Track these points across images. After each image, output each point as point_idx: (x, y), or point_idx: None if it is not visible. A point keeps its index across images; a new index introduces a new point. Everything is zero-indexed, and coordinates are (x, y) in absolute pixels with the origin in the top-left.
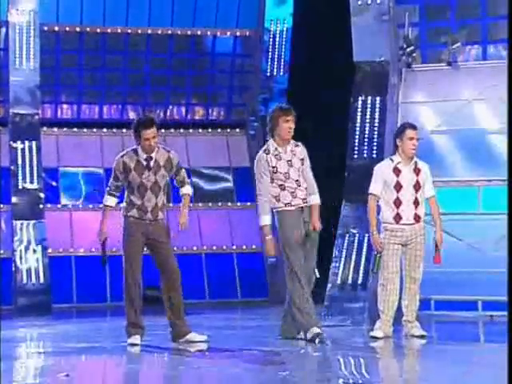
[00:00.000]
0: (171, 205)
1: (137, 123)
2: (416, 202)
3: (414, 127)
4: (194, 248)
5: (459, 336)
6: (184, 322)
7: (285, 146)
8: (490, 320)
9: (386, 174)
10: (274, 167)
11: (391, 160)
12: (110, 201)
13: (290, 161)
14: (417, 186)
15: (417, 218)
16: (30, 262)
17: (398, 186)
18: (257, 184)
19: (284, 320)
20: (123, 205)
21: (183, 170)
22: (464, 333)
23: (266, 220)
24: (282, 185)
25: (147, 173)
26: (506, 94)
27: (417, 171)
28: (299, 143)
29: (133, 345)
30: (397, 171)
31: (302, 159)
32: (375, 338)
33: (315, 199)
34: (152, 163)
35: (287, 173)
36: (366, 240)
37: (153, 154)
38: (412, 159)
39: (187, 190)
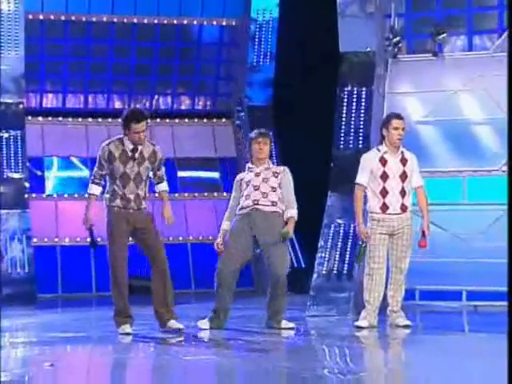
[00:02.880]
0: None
1: (128, 115)
2: (403, 192)
3: (399, 117)
4: (180, 238)
5: (444, 326)
6: (168, 309)
7: (260, 168)
8: (474, 310)
9: (372, 164)
10: (248, 181)
11: (378, 150)
12: (95, 189)
13: (266, 179)
14: (403, 176)
15: (403, 208)
16: (14, 252)
17: (385, 176)
18: (229, 205)
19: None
20: (106, 195)
21: (163, 168)
22: (449, 323)
23: (224, 224)
24: (248, 194)
25: (131, 163)
26: (491, 84)
27: (403, 161)
28: (280, 168)
29: (124, 334)
30: (383, 161)
31: (274, 185)
32: (360, 328)
33: (291, 212)
34: (137, 154)
35: (258, 186)
36: (351, 230)
37: (139, 146)
38: (398, 149)
39: (165, 186)
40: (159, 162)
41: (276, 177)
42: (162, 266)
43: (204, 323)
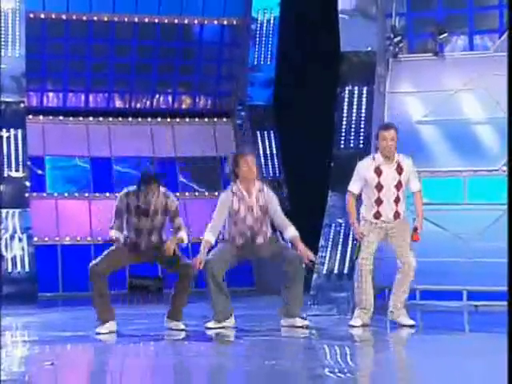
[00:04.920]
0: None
1: (140, 180)
2: (397, 200)
3: (386, 128)
4: None
5: (444, 326)
6: (181, 310)
7: (249, 189)
8: (474, 310)
9: (367, 174)
10: (235, 210)
11: (373, 159)
12: (116, 233)
13: (252, 207)
14: (398, 186)
15: (396, 215)
16: (15, 251)
17: (380, 187)
18: (213, 216)
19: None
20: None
21: (179, 218)
22: (449, 322)
23: (208, 236)
24: (236, 223)
25: (144, 219)
26: (492, 84)
27: (399, 170)
28: (265, 188)
29: (109, 332)
30: (378, 171)
31: (263, 206)
32: (353, 327)
33: (292, 231)
34: (150, 211)
35: (245, 216)
36: (352, 230)
37: (152, 200)
38: (393, 159)
39: (182, 234)
40: (173, 213)
41: (260, 205)
42: (186, 275)
43: (211, 324)
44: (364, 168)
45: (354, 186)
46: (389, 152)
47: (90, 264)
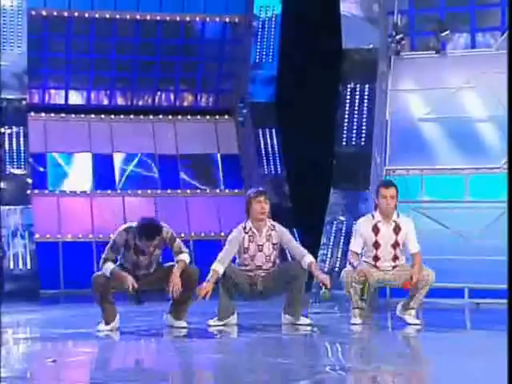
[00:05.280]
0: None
1: (141, 231)
2: (394, 258)
3: (387, 185)
4: (182, 235)
5: (446, 323)
6: (185, 309)
7: (260, 228)
8: (476, 307)
9: (365, 233)
10: (245, 248)
11: (372, 216)
12: (110, 264)
13: (262, 245)
14: (395, 245)
15: (394, 267)
16: (17, 248)
17: (377, 245)
18: (224, 249)
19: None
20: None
21: (177, 241)
22: (451, 320)
23: (218, 266)
24: (245, 263)
25: (142, 257)
26: (494, 82)
27: (396, 230)
28: (276, 225)
29: (110, 330)
30: (376, 230)
31: (275, 244)
32: (354, 324)
33: (308, 259)
34: (147, 251)
35: (254, 255)
36: (353, 227)
37: (152, 246)
38: (391, 217)
39: (183, 256)
40: (170, 241)
41: (273, 243)
42: (193, 277)
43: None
44: (362, 226)
45: (355, 246)
46: (387, 210)
47: (94, 275)
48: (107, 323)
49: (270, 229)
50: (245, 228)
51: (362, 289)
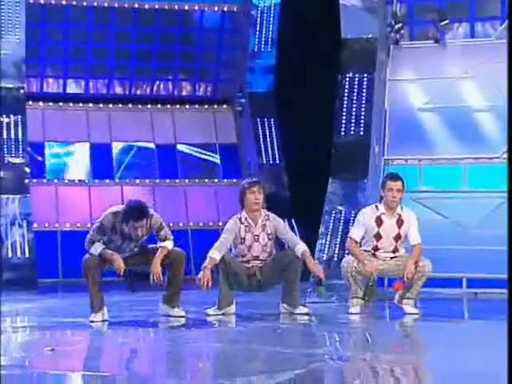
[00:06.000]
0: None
1: (128, 213)
2: (395, 250)
3: (394, 178)
4: (181, 224)
5: (444, 313)
6: (178, 296)
7: (255, 219)
8: (474, 297)
9: (367, 223)
10: (242, 238)
11: (376, 208)
12: (98, 244)
13: (258, 236)
14: (397, 238)
15: (393, 257)
16: (15, 237)
17: (378, 236)
18: (220, 237)
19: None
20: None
21: (165, 229)
22: (449, 310)
23: (214, 253)
24: (242, 254)
25: (128, 241)
26: (493, 71)
27: (399, 223)
28: (270, 215)
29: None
30: (379, 221)
31: (270, 234)
32: (352, 314)
33: (301, 248)
34: (134, 236)
35: (251, 246)
36: (352, 217)
37: (139, 229)
38: (395, 210)
39: (167, 243)
40: (157, 228)
41: (267, 233)
42: (178, 259)
43: (213, 310)
44: (366, 216)
45: (355, 233)
46: (392, 203)
47: (85, 257)
48: (96, 312)
49: (265, 219)
50: (240, 219)
51: (365, 291)
